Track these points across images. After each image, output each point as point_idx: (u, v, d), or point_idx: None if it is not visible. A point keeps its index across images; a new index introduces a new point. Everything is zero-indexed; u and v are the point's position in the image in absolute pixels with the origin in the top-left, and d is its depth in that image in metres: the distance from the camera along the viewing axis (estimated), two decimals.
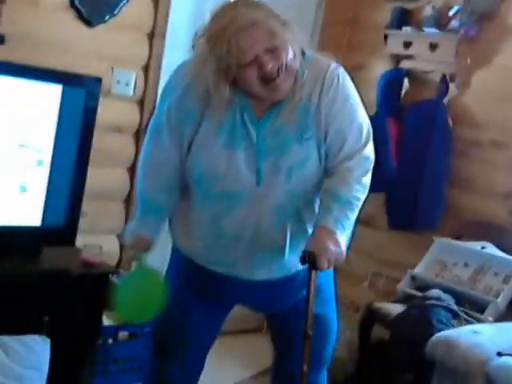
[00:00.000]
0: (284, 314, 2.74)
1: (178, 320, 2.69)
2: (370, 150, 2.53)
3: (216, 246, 2.54)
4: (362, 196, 2.51)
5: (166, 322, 2.71)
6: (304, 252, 2.38)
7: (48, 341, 3.09)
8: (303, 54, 2.43)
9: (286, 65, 2.32)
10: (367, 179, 2.53)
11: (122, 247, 4.34)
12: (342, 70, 2.50)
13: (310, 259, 2.37)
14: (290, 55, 2.33)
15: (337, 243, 2.39)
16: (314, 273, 2.41)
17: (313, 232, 2.47)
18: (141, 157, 2.66)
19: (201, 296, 2.66)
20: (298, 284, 2.63)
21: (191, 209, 2.55)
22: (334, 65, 2.49)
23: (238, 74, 2.32)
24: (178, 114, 2.47)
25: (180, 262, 2.70)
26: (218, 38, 2.27)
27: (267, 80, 2.32)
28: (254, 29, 2.26)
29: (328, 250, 2.36)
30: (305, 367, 2.46)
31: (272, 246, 2.52)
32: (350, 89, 2.50)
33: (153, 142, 2.58)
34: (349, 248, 2.51)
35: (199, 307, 2.68)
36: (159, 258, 2.86)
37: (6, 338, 2.97)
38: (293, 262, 2.55)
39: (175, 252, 2.73)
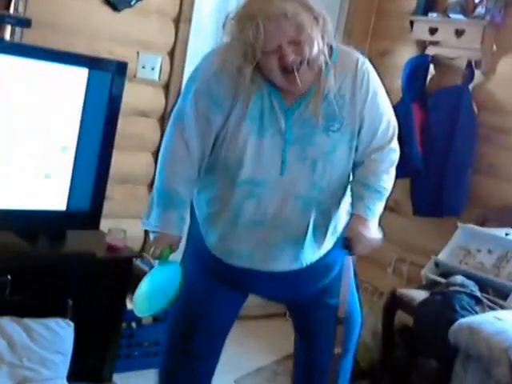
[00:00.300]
0: (303, 305, 2.75)
1: (194, 308, 2.70)
2: (396, 142, 2.60)
3: (233, 235, 2.53)
4: (389, 185, 2.58)
5: (182, 310, 2.70)
6: (342, 239, 2.50)
7: (72, 325, 3.08)
8: (331, 48, 2.43)
9: (308, 60, 2.32)
10: (393, 170, 2.60)
11: (146, 232, 4.35)
12: (369, 64, 2.53)
13: (346, 245, 2.47)
14: (315, 51, 2.32)
15: (368, 229, 2.48)
16: (349, 258, 2.51)
17: (349, 220, 2.55)
18: (162, 148, 2.61)
19: (217, 285, 2.66)
20: (315, 276, 2.66)
21: (212, 196, 2.56)
22: (361, 59, 2.51)
23: (261, 60, 2.32)
24: (205, 101, 2.45)
25: (197, 250, 2.71)
26: (248, 21, 2.27)
27: (287, 71, 2.33)
28: (283, 20, 2.26)
29: (361, 235, 2.45)
30: (337, 350, 2.53)
31: (291, 236, 2.54)
32: (378, 82, 2.54)
33: (176, 131, 2.54)
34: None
35: (215, 296, 2.68)
36: None
37: (30, 322, 2.97)
38: (310, 255, 2.58)
39: (193, 240, 2.74)
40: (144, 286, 2.56)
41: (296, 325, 2.89)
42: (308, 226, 2.53)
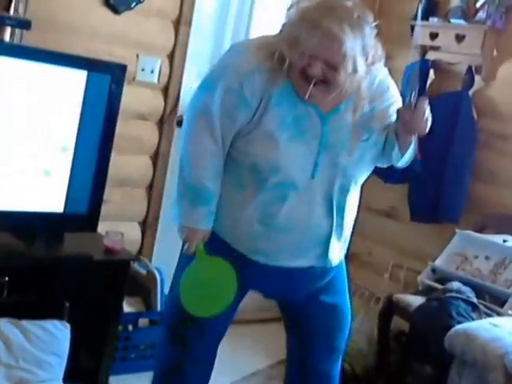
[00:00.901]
0: (298, 302, 2.76)
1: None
2: None
3: (263, 235, 2.54)
4: None
5: (178, 313, 2.69)
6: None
7: (68, 326, 3.11)
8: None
9: (329, 81, 2.34)
10: None
11: (143, 234, 4.41)
12: (388, 74, 2.62)
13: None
14: (341, 78, 2.34)
15: None
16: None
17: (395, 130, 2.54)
18: (185, 141, 2.58)
19: None
20: (318, 276, 2.68)
21: (242, 196, 2.54)
22: (388, 76, 2.60)
23: (290, 56, 2.34)
24: (234, 101, 2.44)
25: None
26: (304, 23, 2.28)
27: (305, 78, 2.35)
28: (337, 44, 2.27)
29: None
30: None
31: (319, 235, 2.57)
32: (393, 82, 2.64)
33: (200, 124, 2.51)
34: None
35: None
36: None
37: (26, 323, 2.99)
38: (333, 251, 2.62)
39: None
40: (195, 287, 2.57)
41: (289, 323, 2.91)
42: (332, 226, 2.57)
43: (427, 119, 2.45)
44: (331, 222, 2.56)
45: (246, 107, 2.42)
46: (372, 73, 2.48)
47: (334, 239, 2.60)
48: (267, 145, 2.44)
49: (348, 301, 2.85)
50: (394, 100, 2.59)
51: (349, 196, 2.59)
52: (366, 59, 2.35)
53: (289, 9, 2.41)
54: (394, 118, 2.54)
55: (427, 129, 2.48)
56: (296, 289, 2.72)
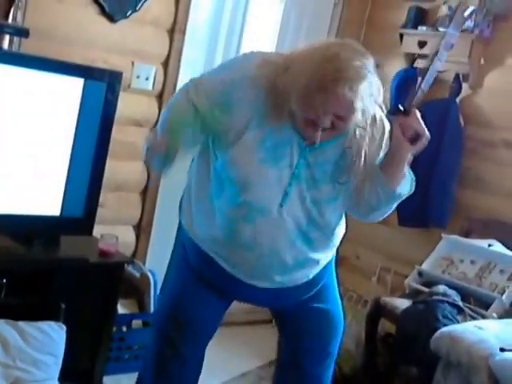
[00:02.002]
0: (291, 310, 2.77)
1: (180, 314, 2.70)
2: None
3: (228, 245, 2.54)
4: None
5: (167, 315, 2.73)
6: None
7: (64, 328, 3.13)
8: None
9: (336, 129, 2.31)
10: None
11: (137, 238, 4.43)
12: (387, 126, 2.52)
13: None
14: (350, 125, 2.33)
15: None
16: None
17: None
18: (169, 103, 2.59)
19: (203, 292, 2.68)
20: (306, 286, 2.68)
21: (212, 207, 2.53)
22: (387, 127, 2.51)
23: (300, 109, 2.30)
24: (223, 95, 2.40)
25: (186, 254, 2.72)
26: (314, 83, 2.21)
27: (313, 125, 2.30)
28: (345, 104, 2.22)
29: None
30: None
31: (278, 264, 2.54)
32: (388, 136, 2.53)
33: (189, 90, 2.47)
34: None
35: (200, 302, 2.70)
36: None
37: (23, 324, 3.01)
38: (296, 279, 2.62)
39: (181, 243, 2.76)
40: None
41: (282, 329, 2.91)
42: (296, 258, 2.55)
43: (424, 126, 2.37)
44: (295, 253, 2.53)
45: (227, 110, 2.39)
46: (375, 130, 2.45)
47: (296, 270, 2.58)
48: (242, 159, 2.42)
49: (340, 307, 2.85)
50: (380, 153, 2.50)
51: (320, 233, 2.54)
52: (375, 101, 2.32)
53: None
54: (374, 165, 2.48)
55: (427, 135, 2.37)
56: (281, 302, 2.74)
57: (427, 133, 2.37)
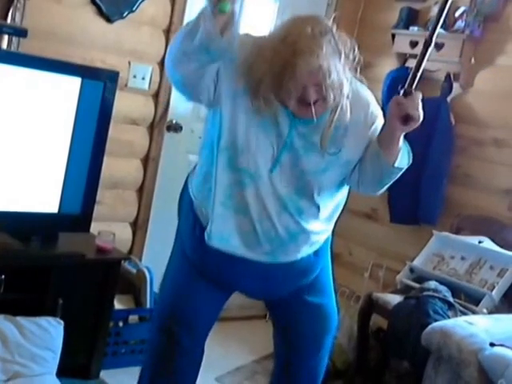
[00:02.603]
0: (284, 303, 2.80)
1: (180, 305, 2.74)
2: None
3: (221, 215, 2.56)
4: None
5: (168, 306, 2.77)
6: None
7: (62, 323, 3.14)
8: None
9: (326, 99, 2.32)
10: None
11: (134, 235, 4.46)
12: (372, 96, 2.57)
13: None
14: (336, 92, 2.32)
15: None
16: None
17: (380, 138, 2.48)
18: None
19: (203, 284, 2.71)
20: (299, 271, 2.72)
21: (211, 174, 2.55)
22: (371, 100, 2.55)
23: (280, 86, 2.32)
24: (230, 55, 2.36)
25: (184, 247, 2.76)
26: (285, 53, 2.25)
27: (304, 103, 2.33)
28: (313, 69, 2.24)
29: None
30: None
31: (272, 231, 2.56)
32: (376, 105, 2.58)
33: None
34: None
35: (200, 293, 2.73)
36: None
37: (22, 320, 3.03)
38: (293, 251, 2.64)
39: (181, 237, 2.79)
40: None
41: (276, 322, 2.94)
42: (286, 227, 2.57)
43: (420, 110, 2.38)
44: (285, 222, 2.56)
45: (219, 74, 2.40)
46: (358, 101, 2.46)
47: (288, 239, 2.60)
48: (237, 126, 2.45)
49: (334, 301, 2.87)
50: (374, 122, 2.53)
51: (307, 204, 2.56)
52: (340, 56, 2.30)
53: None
54: (372, 138, 2.50)
55: (420, 119, 2.39)
56: (275, 289, 2.77)
57: (419, 117, 2.38)
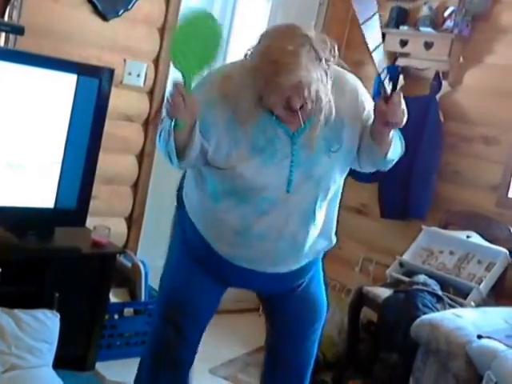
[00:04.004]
0: (278, 297, 2.87)
1: (180, 294, 2.78)
2: None
3: (240, 244, 2.60)
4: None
5: (168, 295, 2.82)
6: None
7: (58, 315, 3.16)
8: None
9: (311, 99, 2.33)
10: None
11: (129, 229, 4.48)
12: (358, 82, 2.61)
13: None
14: (320, 93, 2.33)
15: None
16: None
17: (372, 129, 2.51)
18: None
19: (203, 273, 2.75)
20: (302, 272, 2.78)
21: (218, 208, 2.58)
22: (359, 86, 2.59)
23: (265, 97, 2.35)
24: (204, 127, 2.41)
25: (187, 239, 2.78)
26: (266, 71, 2.26)
27: (290, 110, 2.35)
28: (295, 83, 2.25)
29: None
30: None
31: (294, 244, 2.62)
32: (368, 96, 2.63)
33: None
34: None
35: (200, 283, 2.77)
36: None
37: (18, 312, 3.04)
38: (307, 256, 2.71)
39: (182, 228, 2.81)
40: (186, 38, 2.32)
41: (268, 315, 3.01)
42: (308, 233, 2.62)
43: (403, 111, 2.39)
44: (307, 229, 2.60)
45: (206, 133, 2.42)
46: (343, 89, 2.49)
47: (308, 244, 2.65)
48: (240, 172, 2.46)
49: (324, 293, 2.93)
50: (365, 107, 2.56)
51: (323, 204, 2.62)
52: (320, 62, 2.30)
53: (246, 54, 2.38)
54: (367, 123, 2.53)
55: (404, 120, 2.41)
56: (275, 288, 2.82)
57: (401, 121, 2.40)
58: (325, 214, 2.68)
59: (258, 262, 2.67)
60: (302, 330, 2.91)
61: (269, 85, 2.27)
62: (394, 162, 2.66)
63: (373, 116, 2.48)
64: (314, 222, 2.62)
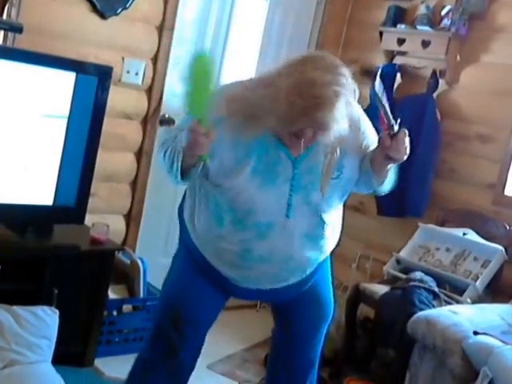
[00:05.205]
0: (287, 302, 2.87)
1: (183, 299, 2.77)
2: None
3: (241, 266, 2.62)
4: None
5: (173, 302, 2.79)
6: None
7: (57, 312, 3.13)
8: None
9: (318, 138, 2.36)
10: None
11: (127, 226, 4.49)
12: (360, 110, 2.61)
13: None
14: (337, 131, 2.33)
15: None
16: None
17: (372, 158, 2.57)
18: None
19: (206, 282, 2.75)
20: (305, 282, 2.79)
21: (220, 232, 2.59)
22: (361, 114, 2.61)
23: (284, 123, 2.34)
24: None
25: (192, 255, 2.77)
26: (300, 96, 2.25)
27: (296, 137, 2.38)
28: (325, 122, 2.28)
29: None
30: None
31: (294, 265, 2.64)
32: (365, 118, 2.65)
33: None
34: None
35: (205, 290, 2.76)
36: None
37: (18, 309, 3.02)
38: (309, 270, 2.73)
39: (186, 245, 2.80)
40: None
41: (276, 316, 3.02)
42: (309, 255, 2.65)
43: (406, 148, 2.45)
44: (308, 251, 2.63)
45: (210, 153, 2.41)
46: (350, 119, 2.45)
47: (309, 264, 2.69)
48: (240, 192, 2.48)
49: (331, 293, 2.96)
50: (366, 136, 2.60)
51: (322, 226, 2.62)
52: (347, 106, 2.33)
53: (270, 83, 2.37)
54: (367, 150, 2.58)
55: (405, 157, 2.48)
56: (280, 298, 2.84)
57: (402, 158, 2.48)
58: (330, 232, 2.70)
59: (259, 281, 2.69)
60: (308, 331, 2.92)
61: (298, 115, 2.26)
62: (385, 192, 2.74)
63: (374, 144, 2.53)
64: (315, 245, 2.65)
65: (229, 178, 2.49)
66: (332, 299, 2.97)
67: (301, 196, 2.52)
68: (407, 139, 2.45)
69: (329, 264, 2.94)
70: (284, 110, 2.28)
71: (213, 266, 2.70)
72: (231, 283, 2.72)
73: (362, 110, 2.62)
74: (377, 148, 2.51)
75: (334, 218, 2.68)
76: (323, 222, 2.61)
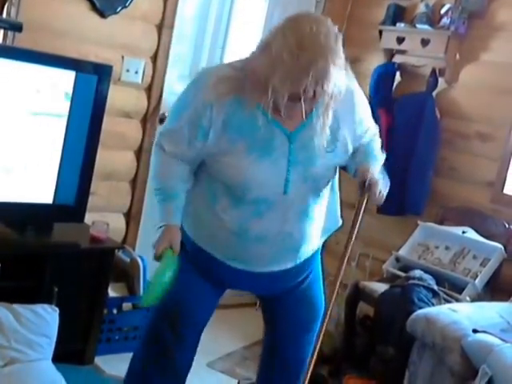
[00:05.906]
0: (280, 298, 2.87)
1: (178, 299, 2.75)
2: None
3: (236, 246, 2.62)
4: (382, 157, 2.77)
5: (171, 301, 2.76)
6: (358, 183, 2.61)
7: (57, 310, 3.14)
8: None
9: (317, 96, 2.35)
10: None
11: (127, 225, 4.50)
12: (356, 85, 2.61)
13: (362, 187, 2.59)
14: (333, 84, 2.32)
15: (376, 173, 2.62)
16: (365, 198, 2.64)
17: (356, 170, 2.65)
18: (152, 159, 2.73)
19: (201, 277, 2.76)
20: (298, 271, 2.78)
21: (215, 209, 2.59)
22: (356, 88, 2.60)
23: (282, 83, 2.32)
24: (194, 128, 2.48)
25: (190, 256, 2.73)
26: (297, 66, 2.27)
27: (294, 99, 2.35)
28: (325, 72, 2.27)
29: (373, 178, 2.58)
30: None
31: (291, 244, 2.64)
32: (365, 100, 2.68)
33: (165, 155, 2.64)
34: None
35: (200, 286, 2.77)
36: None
37: (18, 307, 3.03)
38: (304, 253, 2.72)
39: (184, 245, 2.72)
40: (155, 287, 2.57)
41: (266, 315, 3.01)
42: (306, 232, 2.65)
43: (381, 192, 2.61)
44: (304, 228, 2.63)
45: (205, 137, 2.47)
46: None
47: (305, 242, 2.67)
48: (236, 168, 2.48)
49: (322, 293, 2.95)
50: (360, 108, 2.61)
51: (318, 199, 2.64)
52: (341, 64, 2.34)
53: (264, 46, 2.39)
54: (361, 125, 2.61)
55: (382, 199, 2.67)
56: (272, 288, 2.83)
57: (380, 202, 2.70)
58: (326, 206, 2.72)
59: (253, 262, 2.68)
60: (299, 330, 2.92)
61: (302, 68, 2.26)
62: None
63: (367, 125, 2.63)
64: (311, 221, 2.65)
65: (225, 155, 2.49)
66: (323, 300, 2.96)
67: (299, 172, 2.52)
68: (379, 186, 2.59)
69: (320, 264, 2.95)
70: (288, 65, 2.28)
71: (208, 252, 2.70)
72: (227, 269, 2.70)
73: (357, 85, 2.62)
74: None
75: (327, 197, 2.72)
76: (319, 199, 2.64)
